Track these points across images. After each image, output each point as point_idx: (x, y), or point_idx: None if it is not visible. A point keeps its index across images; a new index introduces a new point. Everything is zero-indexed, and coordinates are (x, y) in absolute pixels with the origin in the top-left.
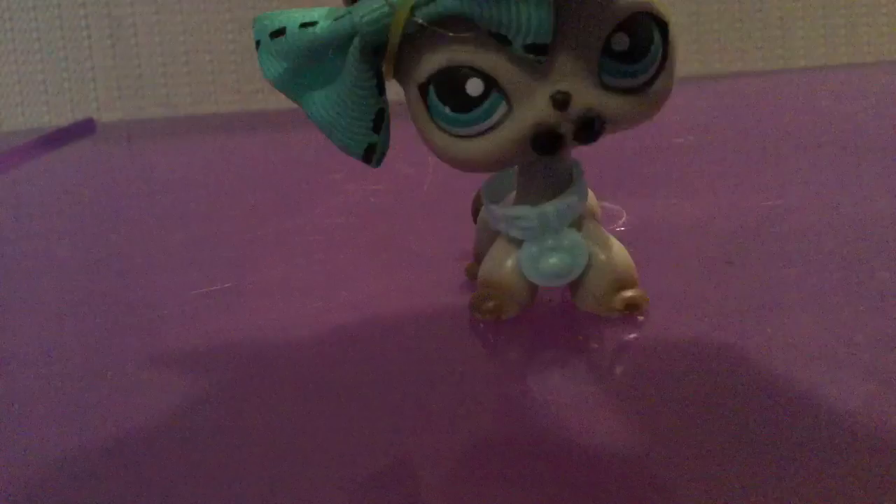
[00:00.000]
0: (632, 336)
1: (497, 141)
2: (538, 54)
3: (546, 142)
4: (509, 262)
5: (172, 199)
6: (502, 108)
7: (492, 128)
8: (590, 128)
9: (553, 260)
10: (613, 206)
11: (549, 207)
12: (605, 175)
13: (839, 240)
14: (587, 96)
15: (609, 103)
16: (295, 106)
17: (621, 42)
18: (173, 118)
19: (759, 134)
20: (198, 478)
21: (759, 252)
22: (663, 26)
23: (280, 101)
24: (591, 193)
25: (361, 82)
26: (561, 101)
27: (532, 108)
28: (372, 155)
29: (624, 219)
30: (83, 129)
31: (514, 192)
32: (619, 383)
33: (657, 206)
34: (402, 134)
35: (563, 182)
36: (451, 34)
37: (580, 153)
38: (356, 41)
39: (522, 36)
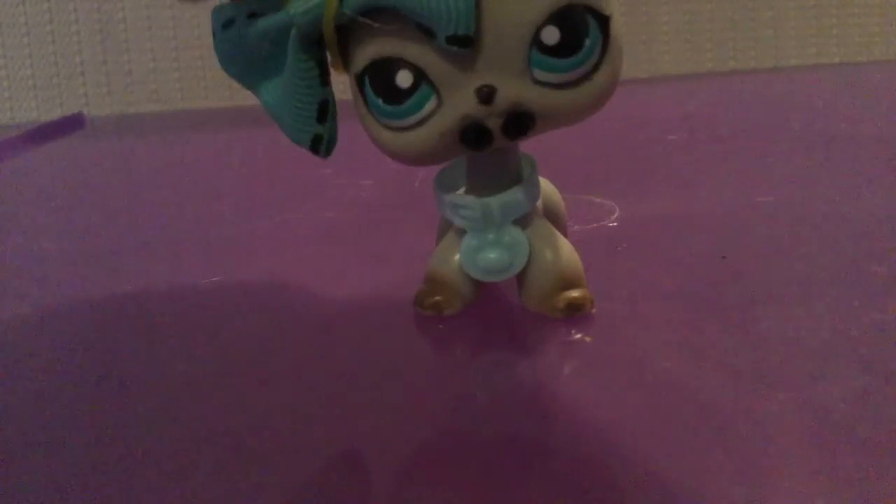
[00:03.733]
0: (599, 331)
1: (427, 134)
2: (461, 46)
3: (473, 136)
4: (455, 258)
5: (162, 194)
6: (433, 101)
7: (422, 120)
8: (517, 123)
9: (492, 255)
10: (606, 202)
11: (494, 201)
12: (597, 171)
13: (832, 235)
14: (514, 90)
15: (539, 98)
16: None
17: (551, 36)
18: (163, 113)
19: (752, 131)
20: (183, 468)
21: (752, 247)
22: (603, 20)
23: None
24: (554, 190)
25: (302, 73)
26: (486, 95)
27: (460, 102)
28: (319, 146)
29: (616, 214)
30: (72, 123)
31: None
32: (609, 380)
33: (650, 202)
34: None
35: (512, 176)
36: (376, 25)
37: (565, 148)
38: (293, 32)
39: (444, 27)
